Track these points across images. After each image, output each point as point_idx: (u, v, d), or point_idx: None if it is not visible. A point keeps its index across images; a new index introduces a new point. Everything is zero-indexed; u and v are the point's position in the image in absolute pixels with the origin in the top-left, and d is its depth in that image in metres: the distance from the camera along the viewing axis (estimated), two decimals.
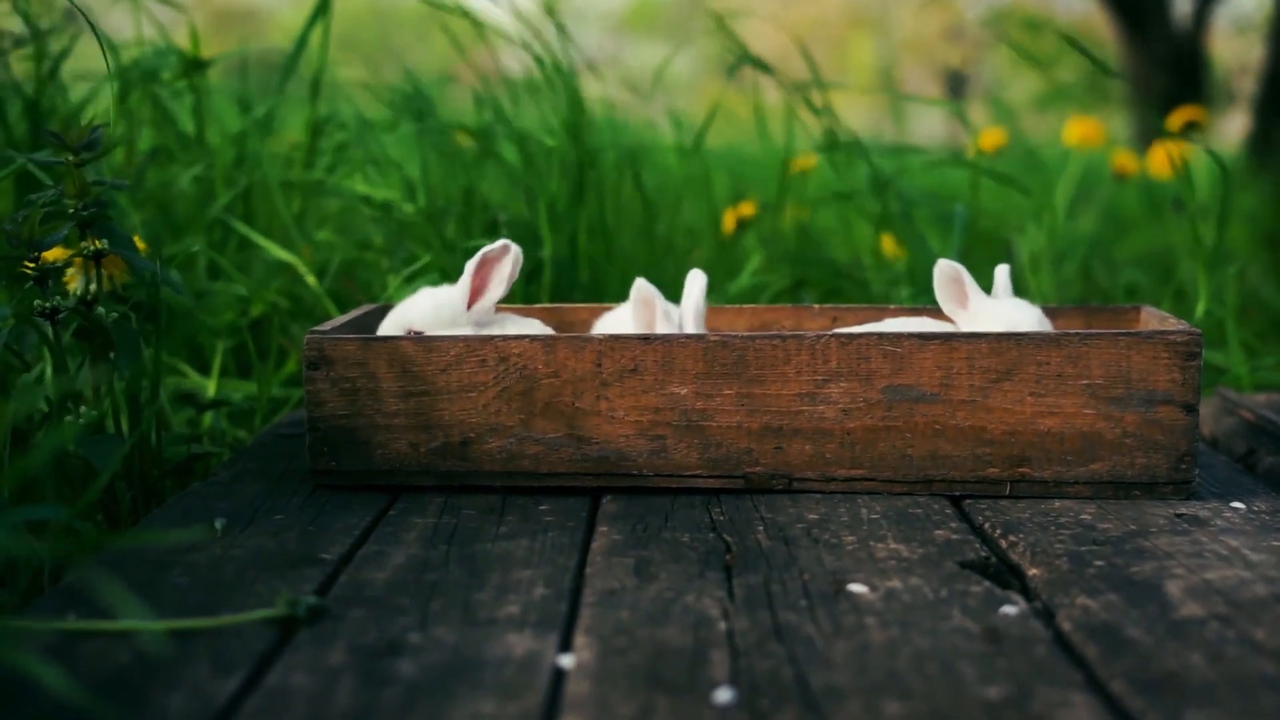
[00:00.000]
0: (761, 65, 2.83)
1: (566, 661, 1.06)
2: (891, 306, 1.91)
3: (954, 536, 1.40)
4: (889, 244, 2.96)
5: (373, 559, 1.34)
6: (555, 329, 1.75)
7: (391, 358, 1.58)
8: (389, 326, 1.73)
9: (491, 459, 1.59)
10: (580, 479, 1.59)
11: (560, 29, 2.67)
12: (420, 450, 1.59)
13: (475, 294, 1.70)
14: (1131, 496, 1.54)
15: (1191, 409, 1.52)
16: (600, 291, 2.58)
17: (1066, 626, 1.14)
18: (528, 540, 1.40)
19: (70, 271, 1.61)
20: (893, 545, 1.37)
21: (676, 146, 3.14)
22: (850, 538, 1.39)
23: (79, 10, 1.76)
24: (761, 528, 1.43)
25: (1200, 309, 2.28)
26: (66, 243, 1.60)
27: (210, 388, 2.14)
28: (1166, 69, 6.55)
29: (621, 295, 2.32)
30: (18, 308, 1.53)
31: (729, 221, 3.12)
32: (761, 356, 1.55)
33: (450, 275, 2.21)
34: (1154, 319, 1.74)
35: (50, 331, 1.56)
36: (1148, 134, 6.01)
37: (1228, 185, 2.19)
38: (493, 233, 2.46)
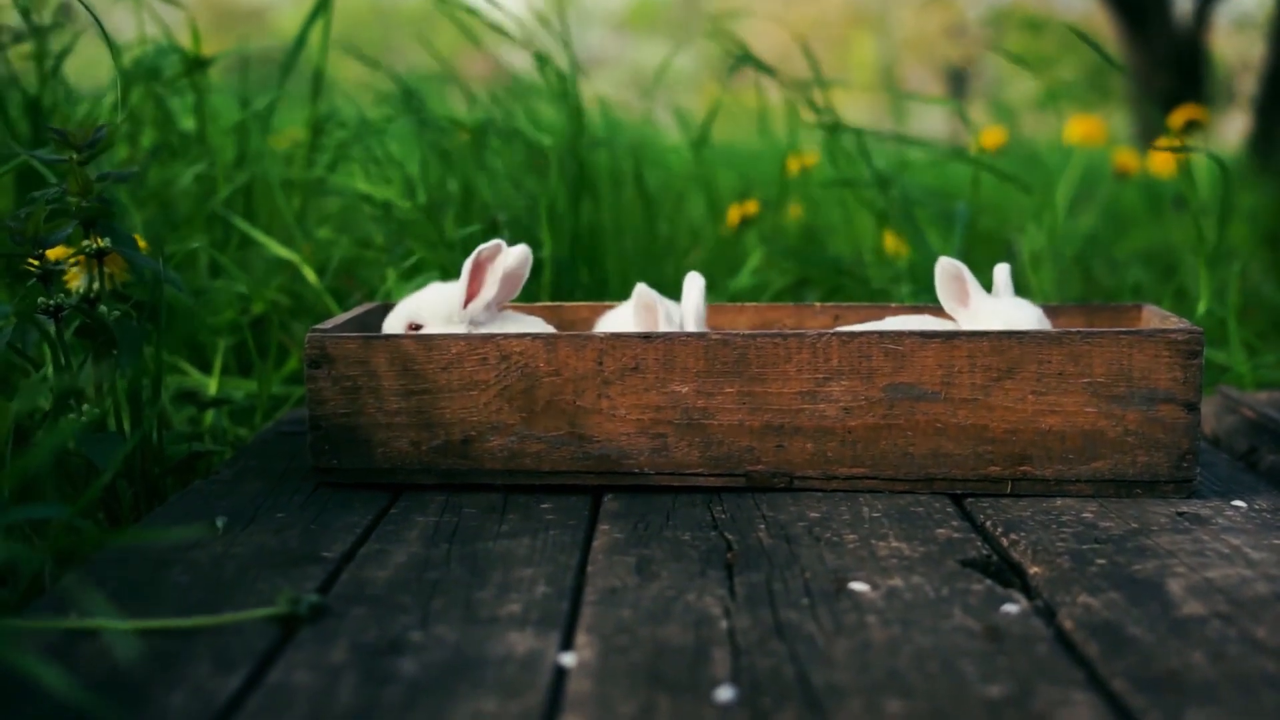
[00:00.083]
0: (761, 65, 2.83)
1: (568, 660, 1.06)
2: (893, 305, 1.91)
3: (955, 535, 1.40)
4: (890, 241, 2.96)
5: (374, 557, 1.34)
6: (556, 328, 1.75)
7: (393, 356, 1.58)
8: (395, 319, 1.74)
9: (493, 457, 1.59)
10: (582, 477, 1.59)
11: (556, 28, 2.66)
12: (422, 449, 1.59)
13: (471, 293, 1.70)
14: (1133, 495, 1.54)
15: (1193, 407, 1.52)
16: (601, 290, 2.58)
17: (1068, 625, 1.14)
18: (529, 539, 1.40)
19: (73, 270, 1.61)
20: (894, 543, 1.37)
21: (677, 145, 3.14)
22: (851, 536, 1.39)
23: (86, 8, 1.76)
24: (763, 526, 1.43)
25: (1201, 307, 2.28)
26: (69, 241, 1.60)
27: (211, 386, 2.14)
28: (1167, 67, 6.55)
29: (622, 294, 2.32)
30: (20, 305, 1.53)
31: (731, 219, 3.12)
32: (763, 355, 1.55)
33: (449, 273, 2.21)
34: (1155, 317, 1.74)
35: (53, 330, 1.56)
36: (1149, 132, 6.01)
37: (1228, 184, 2.19)
38: (492, 231, 2.46)
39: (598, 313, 1.93)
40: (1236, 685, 1.00)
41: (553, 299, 2.43)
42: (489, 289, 1.69)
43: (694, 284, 1.75)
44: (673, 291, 1.83)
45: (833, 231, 3.41)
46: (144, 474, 1.65)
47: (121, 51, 2.46)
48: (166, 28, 2.66)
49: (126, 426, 1.65)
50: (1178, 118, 3.48)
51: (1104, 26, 7.15)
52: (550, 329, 1.71)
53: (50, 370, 1.58)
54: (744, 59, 2.82)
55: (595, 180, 2.68)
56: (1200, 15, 6.91)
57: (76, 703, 0.96)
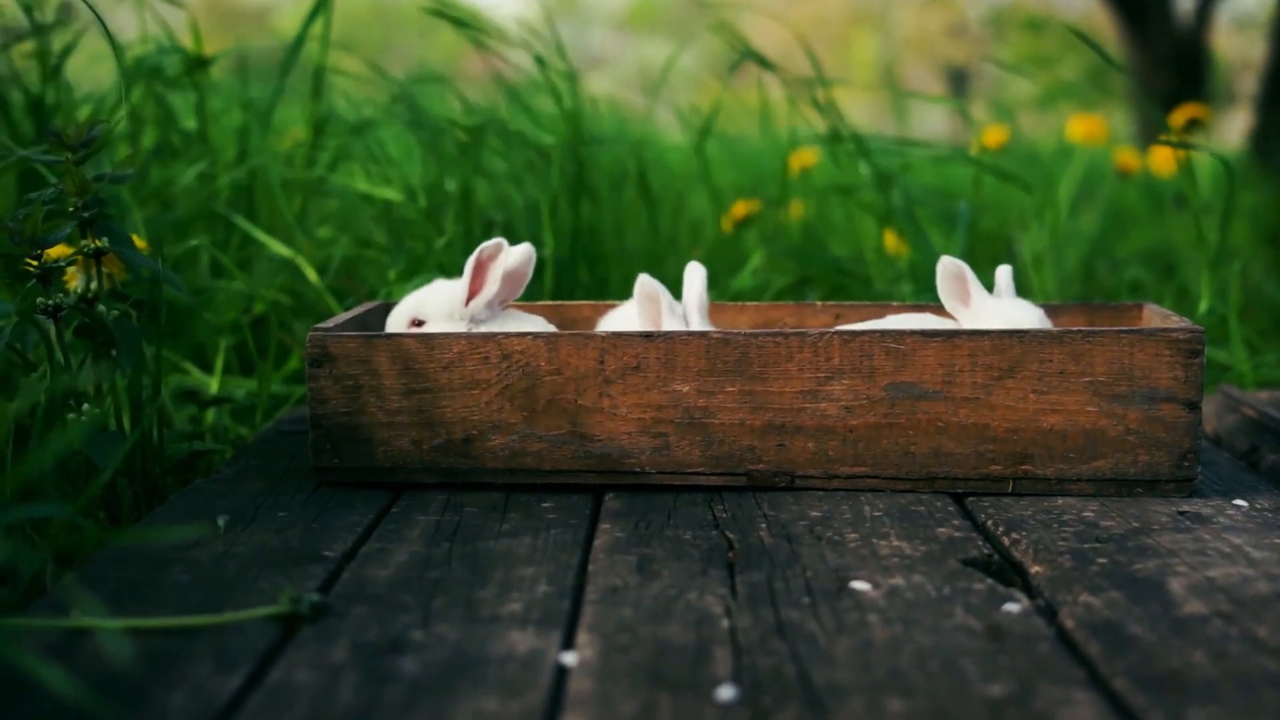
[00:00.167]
0: (763, 62, 2.83)
1: (569, 659, 1.06)
2: (894, 304, 1.91)
3: (956, 534, 1.40)
4: (892, 240, 2.96)
5: (375, 556, 1.34)
6: (558, 326, 1.75)
7: (394, 355, 1.58)
8: (398, 315, 1.74)
9: (494, 456, 1.59)
10: (583, 476, 1.59)
11: (552, 28, 2.66)
12: (423, 447, 1.59)
13: (473, 290, 1.70)
14: (1134, 494, 1.54)
15: (1194, 406, 1.52)
16: (602, 289, 2.58)
17: (1069, 624, 1.14)
18: (530, 538, 1.40)
19: (71, 270, 1.61)
20: (895, 543, 1.37)
21: (679, 144, 3.14)
22: (853, 535, 1.39)
23: (91, 7, 1.76)
24: (764, 525, 1.43)
25: (1203, 306, 2.28)
26: (68, 241, 1.60)
27: (212, 385, 2.14)
28: (1168, 66, 6.55)
29: (623, 293, 2.32)
30: (20, 305, 1.53)
31: (732, 217, 3.12)
32: (764, 354, 1.55)
33: (449, 272, 2.21)
34: (1156, 316, 1.74)
35: (52, 329, 1.56)
36: (1150, 131, 6.01)
37: (1231, 182, 2.19)
38: (492, 231, 2.46)
39: (599, 311, 1.93)
40: (1238, 684, 1.00)
41: (554, 298, 2.43)
42: (490, 287, 1.69)
43: (695, 274, 1.75)
44: (675, 290, 1.83)
45: (834, 230, 3.41)
46: (145, 473, 1.65)
47: (124, 50, 2.46)
48: (168, 27, 2.66)
49: (127, 425, 1.65)
50: (1179, 116, 3.48)
51: (1105, 26, 7.15)
52: (552, 328, 1.71)
53: (49, 370, 1.58)
54: (746, 55, 2.82)
55: (596, 179, 2.68)
56: (1201, 14, 6.91)
57: (77, 702, 0.96)
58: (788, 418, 1.56)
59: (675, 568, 1.29)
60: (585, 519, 1.48)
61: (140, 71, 2.48)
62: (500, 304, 1.74)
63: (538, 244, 2.41)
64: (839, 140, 2.78)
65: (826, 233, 3.36)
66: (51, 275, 1.55)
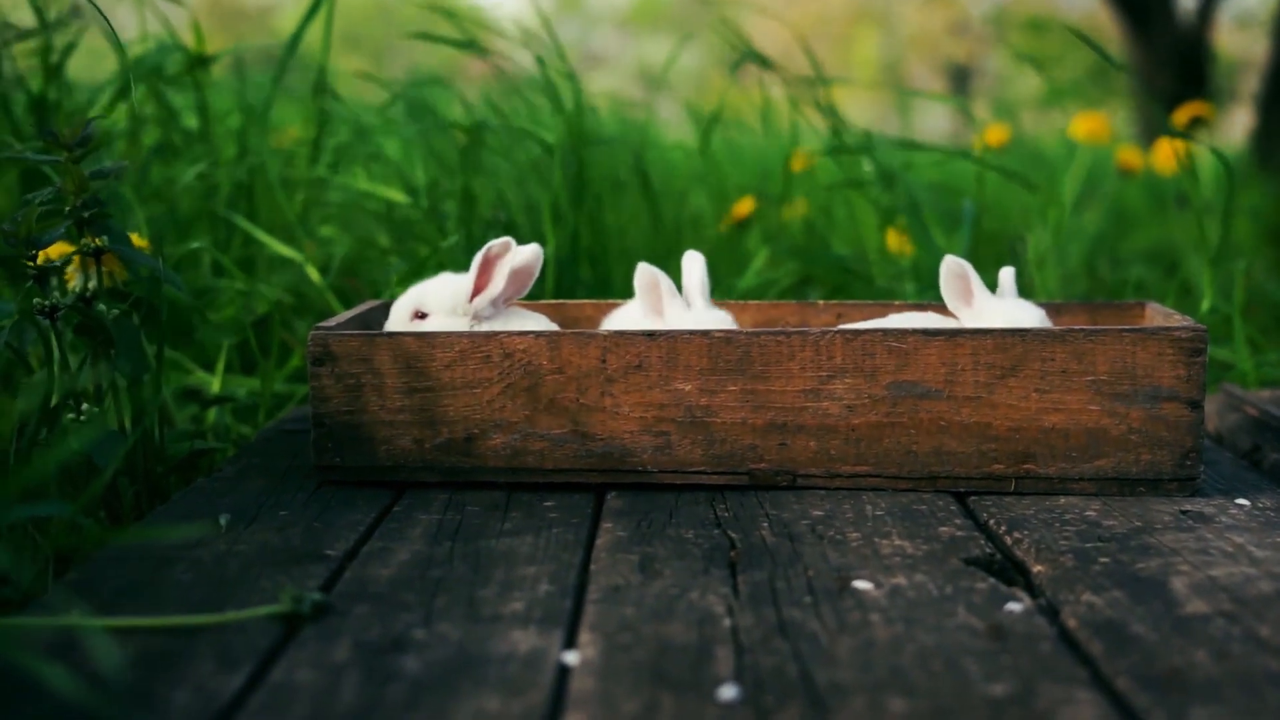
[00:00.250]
0: (765, 61, 2.82)
1: (571, 658, 1.06)
2: (896, 302, 1.90)
3: (959, 533, 1.40)
4: (894, 239, 2.96)
5: (377, 555, 1.34)
6: (560, 325, 1.75)
7: (396, 354, 1.58)
8: (401, 306, 1.74)
9: (496, 455, 1.59)
10: (585, 475, 1.59)
11: (551, 30, 2.66)
12: (424, 446, 1.59)
13: (479, 287, 1.70)
14: (1136, 493, 1.54)
15: (1196, 405, 1.52)
16: (604, 288, 2.58)
17: (1071, 623, 1.14)
18: (532, 537, 1.40)
19: (69, 269, 1.61)
20: (897, 542, 1.37)
21: (680, 143, 3.13)
22: (855, 534, 1.39)
23: (94, 5, 1.75)
24: (766, 524, 1.43)
25: (1205, 305, 2.27)
26: (67, 239, 1.60)
27: (214, 384, 2.14)
28: (1171, 65, 6.55)
29: (625, 292, 2.32)
30: (19, 305, 1.53)
31: (734, 216, 3.12)
32: (766, 353, 1.55)
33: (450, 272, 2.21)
34: (1159, 315, 1.74)
35: (51, 329, 1.56)
36: (1152, 130, 6.00)
37: (1232, 181, 2.19)
38: (494, 230, 2.46)
39: (601, 310, 1.92)
40: (1240, 684, 1.00)
41: (555, 297, 2.43)
42: (496, 284, 1.69)
43: (694, 261, 1.76)
44: (678, 286, 1.83)
45: (836, 229, 3.41)
46: (146, 472, 1.65)
47: (124, 49, 2.46)
48: (169, 26, 2.66)
49: (128, 425, 1.65)
50: (1182, 115, 3.48)
51: (1108, 25, 7.15)
52: (554, 327, 1.71)
53: (47, 369, 1.58)
54: (747, 55, 2.82)
55: (598, 178, 2.68)
56: (1203, 13, 6.91)
57: (79, 701, 0.96)
58: (790, 417, 1.55)
59: (677, 567, 1.29)
60: (587, 518, 1.48)
61: (141, 70, 2.48)
62: (505, 302, 1.74)
63: (540, 242, 2.41)
64: (840, 140, 2.78)
65: (829, 231, 3.36)
66: (48, 275, 1.55)
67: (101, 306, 1.59)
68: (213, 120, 2.64)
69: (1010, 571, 1.29)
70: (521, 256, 1.73)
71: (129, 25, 2.85)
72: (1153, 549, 1.33)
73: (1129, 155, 3.79)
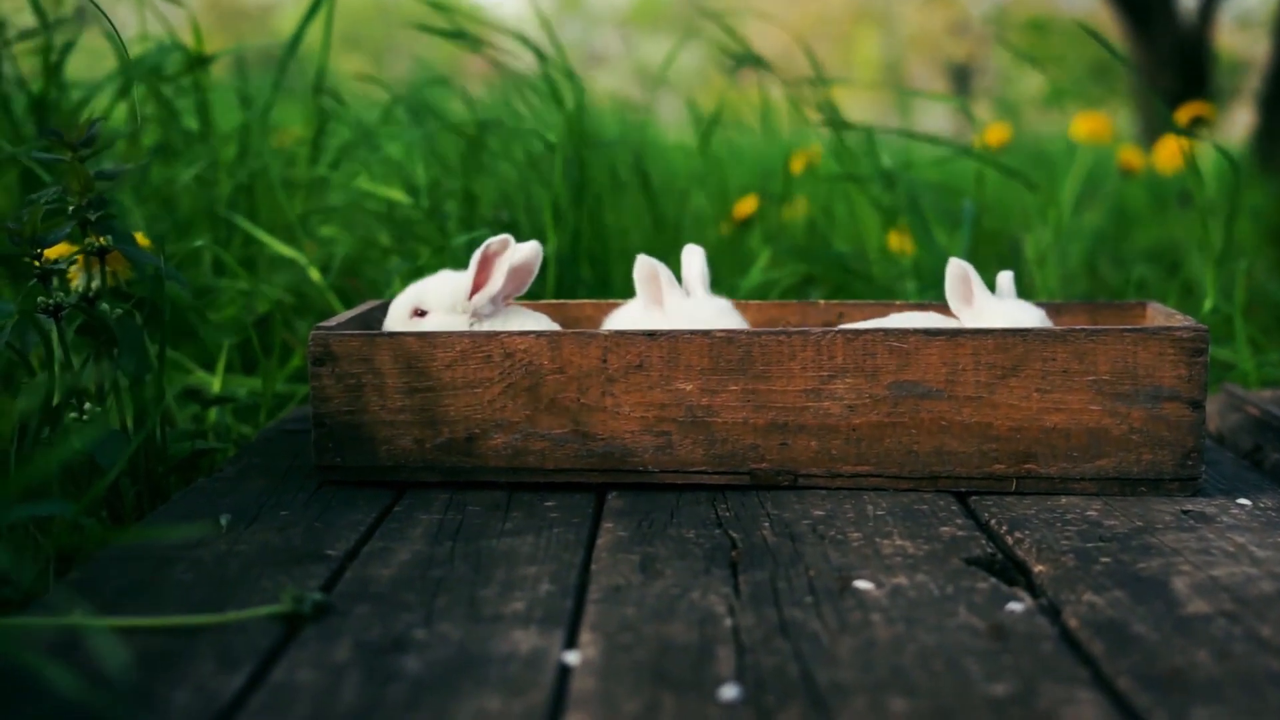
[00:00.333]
0: (763, 64, 2.82)
1: (572, 658, 1.06)
2: (898, 302, 1.90)
3: (960, 533, 1.40)
4: (895, 239, 2.96)
5: (378, 555, 1.33)
6: (560, 325, 1.75)
7: (396, 354, 1.58)
8: (401, 303, 1.74)
9: (497, 455, 1.59)
10: (585, 475, 1.59)
11: (550, 31, 2.66)
12: (425, 446, 1.59)
13: (478, 284, 1.70)
14: (1138, 493, 1.54)
15: (1198, 405, 1.52)
16: (605, 287, 2.58)
17: (1072, 623, 1.14)
18: (533, 537, 1.40)
19: (73, 268, 1.61)
20: (898, 541, 1.37)
21: (681, 143, 3.13)
22: (856, 534, 1.39)
23: (96, 5, 1.75)
24: (767, 524, 1.43)
25: (1207, 305, 2.27)
26: (70, 239, 1.60)
27: (215, 384, 2.14)
28: (1172, 64, 6.55)
29: (626, 291, 2.32)
30: (22, 304, 1.53)
31: (735, 216, 3.12)
32: (767, 352, 1.55)
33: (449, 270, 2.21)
34: (1160, 315, 1.74)
35: (54, 328, 1.56)
36: (1154, 129, 6.00)
37: (1237, 180, 2.19)
38: (496, 229, 2.46)
39: (602, 310, 1.92)
40: (1242, 684, 1.00)
41: (556, 296, 2.43)
42: (495, 282, 1.70)
43: (694, 253, 1.78)
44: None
45: (837, 229, 3.41)
46: (148, 472, 1.65)
47: (124, 48, 2.46)
48: (169, 26, 2.66)
49: (130, 425, 1.65)
50: (1183, 114, 3.48)
51: (1109, 24, 7.15)
52: (555, 326, 1.71)
53: (50, 369, 1.58)
54: (745, 58, 2.82)
55: (599, 178, 2.68)
56: (1205, 12, 6.90)
57: (81, 700, 0.96)
58: (791, 416, 1.55)
59: (678, 566, 1.29)
60: (588, 518, 1.48)
61: (141, 69, 2.48)
62: (504, 300, 1.74)
63: (541, 241, 2.41)
64: (842, 129, 2.78)
65: (830, 231, 3.36)
66: (51, 275, 1.55)
67: (105, 306, 1.59)
68: (213, 120, 2.63)
69: (1011, 571, 1.28)
70: (520, 254, 1.73)
71: (129, 25, 2.85)
72: (1154, 549, 1.33)
73: (1130, 154, 3.79)
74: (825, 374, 1.54)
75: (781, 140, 3.67)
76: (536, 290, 2.42)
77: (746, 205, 3.11)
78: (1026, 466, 1.54)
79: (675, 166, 3.57)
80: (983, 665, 1.04)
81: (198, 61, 2.52)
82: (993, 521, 1.45)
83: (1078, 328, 1.52)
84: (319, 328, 1.61)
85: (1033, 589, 1.24)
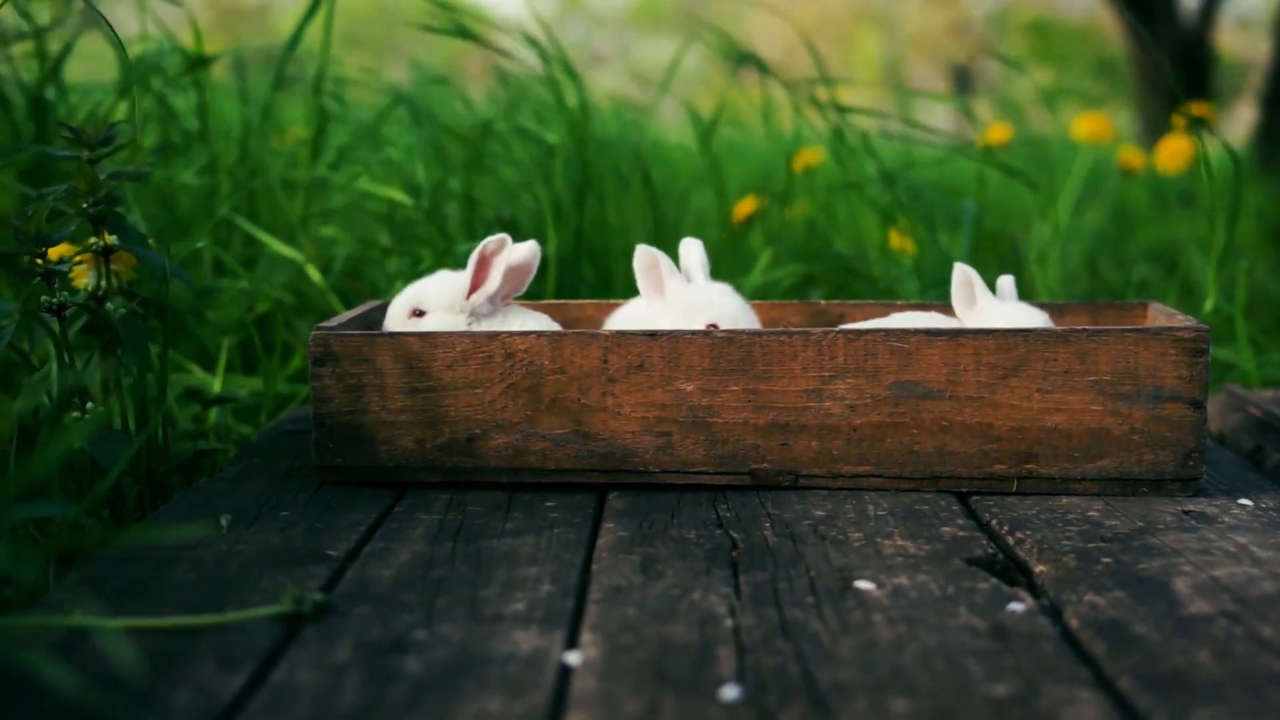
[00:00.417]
0: (762, 65, 2.82)
1: (573, 658, 1.06)
2: (899, 302, 1.90)
3: (961, 533, 1.40)
4: (895, 238, 2.95)
5: (378, 555, 1.33)
6: (561, 325, 1.75)
7: (397, 354, 1.58)
8: (400, 303, 1.74)
9: (497, 455, 1.59)
10: (586, 475, 1.59)
11: (544, 27, 2.66)
12: (426, 446, 1.59)
13: (475, 284, 1.71)
14: (1139, 493, 1.54)
15: (1199, 405, 1.52)
16: (606, 288, 2.58)
17: (1074, 623, 1.14)
18: (534, 537, 1.40)
19: (80, 268, 1.61)
20: (899, 542, 1.37)
21: (682, 143, 3.13)
22: (857, 534, 1.39)
23: (94, 8, 1.75)
24: (768, 524, 1.43)
25: (1208, 305, 2.27)
26: (74, 239, 1.60)
27: (216, 384, 2.14)
28: (1173, 65, 6.55)
29: (627, 291, 2.32)
30: (26, 303, 1.53)
31: (737, 216, 3.12)
32: (768, 353, 1.54)
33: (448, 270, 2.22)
34: (1161, 315, 1.74)
35: (57, 327, 1.56)
36: (1155, 130, 6.00)
37: (1239, 176, 2.18)
38: (497, 229, 2.46)
39: (603, 311, 1.92)
40: (1243, 684, 1.00)
41: (557, 296, 2.43)
42: (493, 282, 1.70)
43: (692, 244, 1.79)
44: None
45: (838, 228, 3.41)
46: (149, 472, 1.65)
47: (124, 49, 2.46)
48: (165, 28, 2.66)
49: (131, 425, 1.65)
50: (1185, 113, 3.47)
51: (1110, 24, 7.15)
52: (556, 326, 1.71)
53: (54, 368, 1.58)
54: (745, 59, 2.82)
55: (600, 177, 2.68)
56: (1205, 13, 6.90)
57: (81, 701, 0.96)
58: (792, 417, 1.55)
59: (679, 567, 1.29)
60: (589, 518, 1.47)
61: (141, 70, 2.48)
62: (503, 300, 1.74)
63: (542, 241, 2.41)
64: (844, 125, 2.78)
65: (831, 230, 3.36)
66: (55, 274, 1.55)
67: (110, 305, 1.59)
68: (213, 120, 2.63)
69: (1012, 572, 1.28)
70: (518, 254, 1.73)
71: (129, 24, 2.85)
72: (1155, 549, 1.33)
73: (1131, 155, 3.79)
74: (826, 374, 1.54)
75: (783, 139, 3.66)
76: (538, 290, 2.42)
77: (747, 205, 3.11)
78: (1028, 467, 1.54)
79: (676, 166, 3.57)
80: (984, 665, 1.04)
81: (198, 62, 2.52)
82: (994, 522, 1.44)
83: (1079, 328, 1.52)
84: (320, 328, 1.61)
85: (1034, 589, 1.24)
